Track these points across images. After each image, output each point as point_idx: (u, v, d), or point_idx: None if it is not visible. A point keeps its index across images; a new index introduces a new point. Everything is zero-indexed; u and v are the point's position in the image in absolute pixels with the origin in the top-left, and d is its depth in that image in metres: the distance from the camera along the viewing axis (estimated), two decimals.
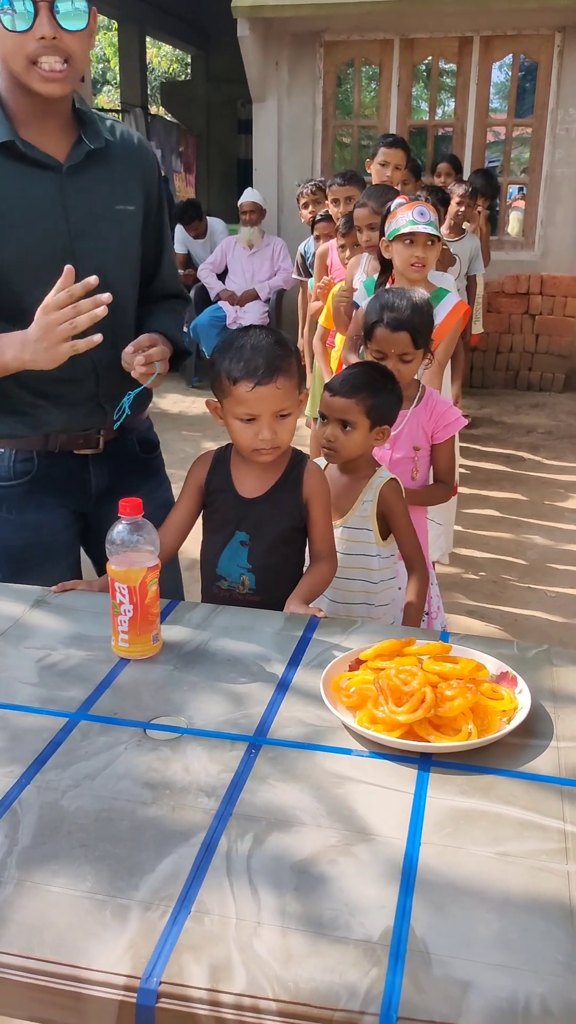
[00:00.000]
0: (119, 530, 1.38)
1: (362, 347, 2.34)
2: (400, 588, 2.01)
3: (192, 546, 1.85)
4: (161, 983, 0.85)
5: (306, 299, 4.73)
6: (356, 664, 1.35)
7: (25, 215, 1.62)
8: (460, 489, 3.74)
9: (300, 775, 1.14)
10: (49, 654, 1.43)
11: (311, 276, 4.66)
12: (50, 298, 1.51)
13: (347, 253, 3.73)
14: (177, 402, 6.41)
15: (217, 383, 1.67)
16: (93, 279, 1.50)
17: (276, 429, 1.65)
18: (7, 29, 1.49)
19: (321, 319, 3.92)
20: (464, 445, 4.92)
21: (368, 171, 4.18)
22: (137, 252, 1.81)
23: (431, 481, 2.31)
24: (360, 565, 1.95)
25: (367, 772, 1.15)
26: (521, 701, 1.25)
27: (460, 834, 1.04)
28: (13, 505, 1.81)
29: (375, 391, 1.93)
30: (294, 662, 1.42)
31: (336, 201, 3.94)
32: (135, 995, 0.84)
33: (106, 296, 1.50)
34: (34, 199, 1.63)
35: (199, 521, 1.82)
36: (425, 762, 1.17)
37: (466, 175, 6.09)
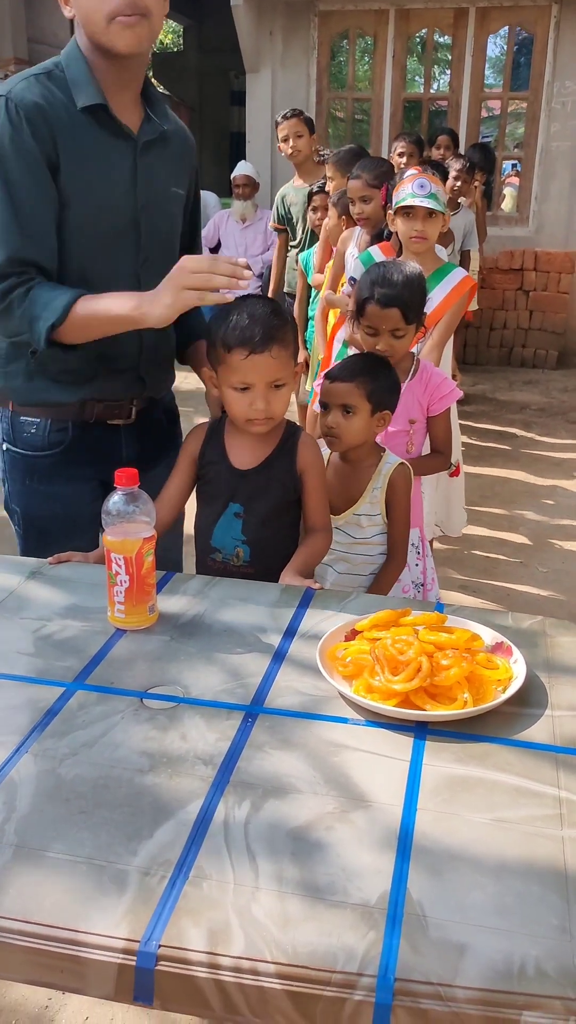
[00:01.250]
0: (115, 500, 1.38)
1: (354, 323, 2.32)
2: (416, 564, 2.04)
3: (189, 522, 1.84)
4: (160, 946, 0.85)
5: (281, 256, 4.73)
6: (352, 634, 1.35)
7: (102, 181, 1.64)
8: None
9: (297, 743, 1.15)
10: (45, 625, 1.43)
11: (291, 225, 4.64)
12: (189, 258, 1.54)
13: (331, 222, 3.74)
14: None
15: (212, 351, 1.66)
16: (243, 260, 1.53)
17: (270, 399, 1.64)
18: None
19: (323, 292, 3.90)
20: (458, 422, 4.93)
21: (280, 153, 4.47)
22: (179, 235, 1.85)
23: (422, 452, 2.31)
24: (372, 543, 1.96)
25: (363, 740, 1.16)
26: (516, 671, 1.26)
27: (456, 800, 1.04)
28: (44, 476, 1.80)
29: (374, 375, 1.93)
30: (290, 633, 1.42)
31: (332, 178, 3.92)
32: (134, 958, 0.85)
33: (249, 272, 1.52)
34: (111, 167, 1.65)
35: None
36: (421, 730, 1.17)
37: (461, 150, 6.04)
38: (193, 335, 1.89)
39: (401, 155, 4.45)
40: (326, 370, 2.04)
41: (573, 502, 4.39)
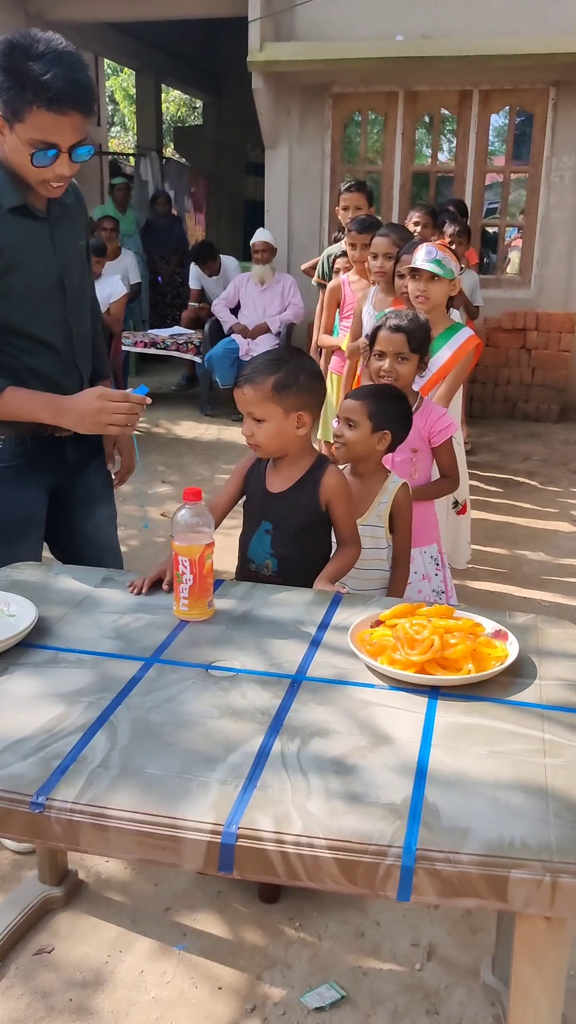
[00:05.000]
0: (182, 514, 1.69)
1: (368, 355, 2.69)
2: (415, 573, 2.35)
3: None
4: (239, 828, 1.13)
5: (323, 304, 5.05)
6: (376, 624, 1.64)
7: (29, 257, 1.97)
8: None
9: (334, 701, 1.43)
10: (121, 617, 1.73)
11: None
12: (111, 392, 1.95)
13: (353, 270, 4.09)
14: (191, 429, 6.75)
15: None
16: (148, 400, 1.97)
17: (252, 428, 2.00)
18: (34, 166, 1.82)
19: (344, 345, 4.20)
20: (466, 467, 5.23)
21: (337, 218, 4.77)
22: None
23: (430, 479, 2.66)
24: (376, 557, 2.26)
25: (387, 699, 1.44)
26: (511, 650, 1.55)
27: (462, 738, 1.33)
28: (8, 481, 2.08)
29: (379, 400, 2.29)
30: (324, 626, 1.71)
31: (353, 246, 4.29)
32: (219, 837, 1.13)
33: (149, 401, 1.97)
34: (34, 244, 1.99)
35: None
36: (434, 693, 1.46)
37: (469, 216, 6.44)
38: (100, 374, 2.28)
39: (417, 224, 4.83)
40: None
41: (573, 544, 4.68)
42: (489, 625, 1.64)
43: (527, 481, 5.75)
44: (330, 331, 4.63)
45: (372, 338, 2.58)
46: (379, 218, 4.61)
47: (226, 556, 2.24)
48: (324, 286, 5.06)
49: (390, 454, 2.51)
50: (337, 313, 4.59)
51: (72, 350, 2.09)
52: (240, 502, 2.16)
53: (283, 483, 2.06)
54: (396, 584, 2.28)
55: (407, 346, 2.51)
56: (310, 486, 2.06)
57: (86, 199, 2.20)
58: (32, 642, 1.61)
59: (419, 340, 2.54)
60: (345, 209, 4.74)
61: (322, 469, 2.08)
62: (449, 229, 5.37)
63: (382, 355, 2.54)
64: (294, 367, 2.00)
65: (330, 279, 4.99)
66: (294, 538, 2.06)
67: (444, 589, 2.60)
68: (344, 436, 2.30)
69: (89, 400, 1.95)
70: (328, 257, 5.11)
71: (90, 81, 1.80)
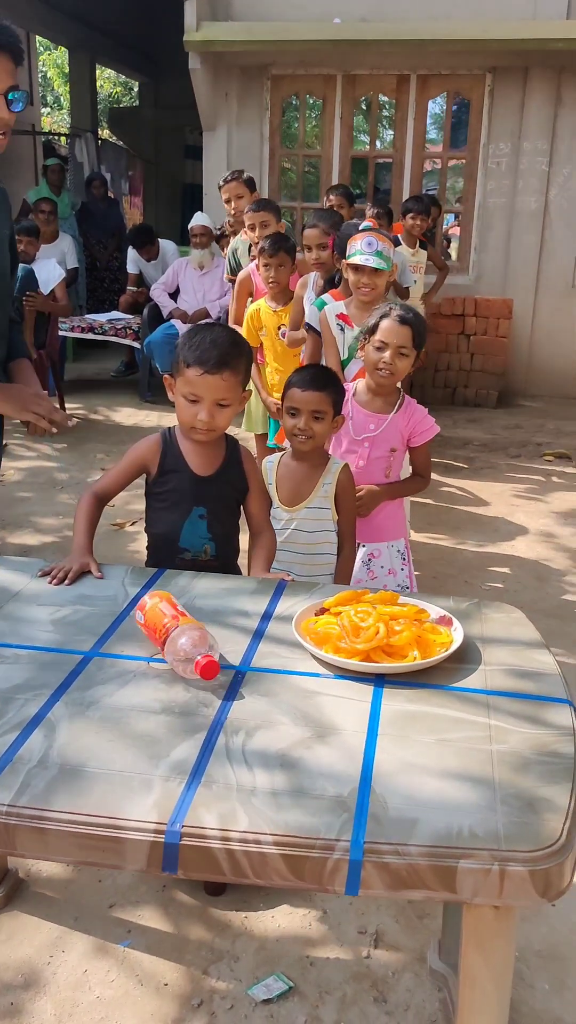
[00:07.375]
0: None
1: (359, 339, 2.61)
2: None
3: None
4: (183, 827, 1.10)
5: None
6: (321, 611, 1.62)
7: None
8: None
9: (279, 692, 1.41)
10: (59, 610, 1.67)
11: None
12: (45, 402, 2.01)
13: (271, 273, 3.93)
14: (131, 416, 6.64)
15: (175, 363, 1.94)
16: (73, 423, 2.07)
17: (214, 414, 1.92)
18: None
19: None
20: None
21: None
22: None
23: (400, 477, 2.62)
24: (324, 540, 2.25)
25: (333, 689, 1.42)
26: (456, 636, 1.54)
27: (408, 727, 1.31)
28: None
29: (336, 387, 2.24)
30: (267, 615, 1.68)
31: (252, 227, 4.23)
32: (163, 836, 1.10)
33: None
34: None
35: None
36: (379, 681, 1.44)
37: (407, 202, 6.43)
38: (16, 353, 2.21)
39: (331, 206, 4.80)
40: (291, 379, 2.31)
41: (513, 528, 4.73)
42: (433, 611, 1.63)
43: (467, 467, 5.80)
44: (240, 322, 4.54)
45: (372, 329, 2.48)
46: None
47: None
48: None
49: (367, 450, 2.50)
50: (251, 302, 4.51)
51: None
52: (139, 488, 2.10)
53: (210, 466, 2.02)
54: (343, 567, 2.26)
55: (411, 340, 2.44)
56: (236, 465, 2.06)
57: (19, 180, 2.13)
58: None
59: (421, 338, 2.48)
60: (228, 201, 4.68)
61: (238, 448, 2.08)
62: (370, 212, 5.36)
63: (383, 346, 2.44)
64: (246, 344, 2.01)
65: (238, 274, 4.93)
66: (228, 518, 2.06)
67: (409, 584, 2.59)
68: (312, 430, 2.22)
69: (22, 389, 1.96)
70: (234, 252, 5.05)
71: (12, 27, 1.74)
